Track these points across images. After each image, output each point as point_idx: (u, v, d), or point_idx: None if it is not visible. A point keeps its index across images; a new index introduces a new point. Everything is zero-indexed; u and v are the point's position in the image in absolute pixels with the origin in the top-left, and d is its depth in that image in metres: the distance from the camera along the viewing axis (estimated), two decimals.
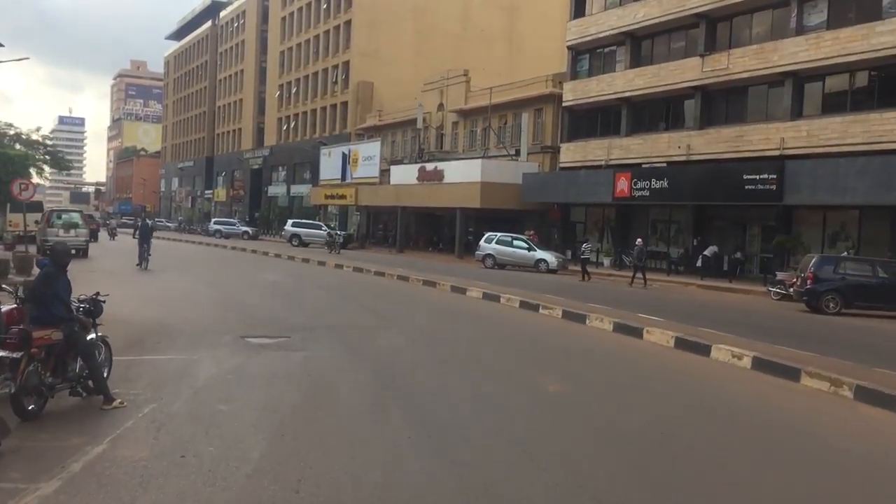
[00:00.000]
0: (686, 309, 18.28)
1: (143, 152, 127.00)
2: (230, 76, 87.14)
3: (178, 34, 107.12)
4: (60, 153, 47.72)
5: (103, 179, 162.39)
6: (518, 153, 41.71)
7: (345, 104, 62.41)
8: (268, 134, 76.71)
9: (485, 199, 38.20)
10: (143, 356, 9.45)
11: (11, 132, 45.88)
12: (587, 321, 14.28)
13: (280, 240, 55.04)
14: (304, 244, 48.21)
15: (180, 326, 11.95)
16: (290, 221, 51.18)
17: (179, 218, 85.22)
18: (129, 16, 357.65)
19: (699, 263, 30.32)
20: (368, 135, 56.79)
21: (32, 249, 29.17)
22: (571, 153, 38.05)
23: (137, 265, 23.58)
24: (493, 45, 60.09)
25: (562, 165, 38.61)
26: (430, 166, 43.26)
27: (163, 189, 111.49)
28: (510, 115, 43.82)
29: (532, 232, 37.33)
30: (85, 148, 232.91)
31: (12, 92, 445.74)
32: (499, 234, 33.48)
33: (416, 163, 46.85)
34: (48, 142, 46.91)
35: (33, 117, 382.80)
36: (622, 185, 32.83)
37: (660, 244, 34.70)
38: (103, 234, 46.59)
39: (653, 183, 31.51)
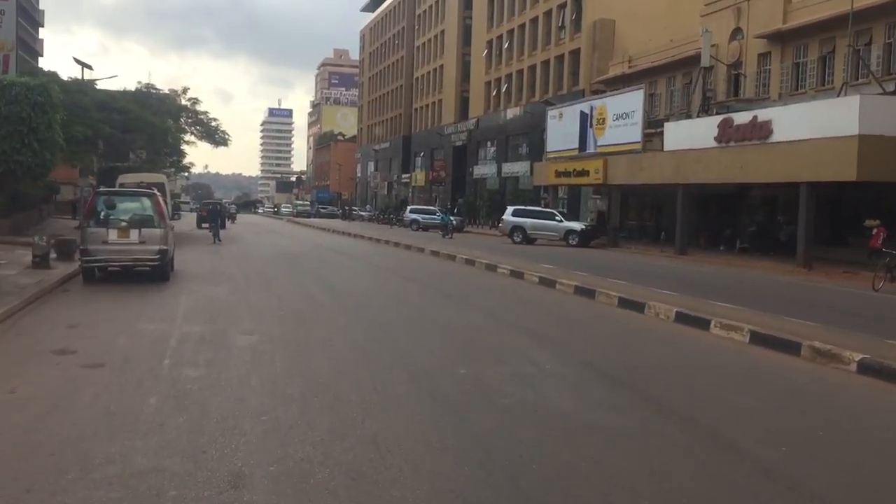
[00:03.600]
0: None
1: (340, 136, 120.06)
2: (429, 40, 75.44)
3: (373, 4, 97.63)
4: (215, 122, 37.37)
5: (305, 168, 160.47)
6: None
7: (575, 53, 47.44)
8: (473, 103, 63.79)
9: (866, 165, 21.32)
10: None
11: (153, 94, 36.42)
12: None
13: (492, 232, 41.90)
14: (528, 240, 34.22)
15: None
16: (510, 209, 36.99)
17: (367, 206, 74.75)
18: (334, 11, 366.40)
19: None
20: (612, 89, 41.21)
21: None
22: None
23: (213, 242, 26.97)
24: None
25: None
26: (742, 117, 26.64)
27: (358, 175, 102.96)
28: (877, 29, 26.40)
29: (877, 223, 20.96)
30: (292, 139, 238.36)
31: (235, 90, 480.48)
32: None
33: (707, 115, 30.69)
34: (198, 107, 36.70)
35: (249, 112, 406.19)
36: None
37: None
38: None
39: None
